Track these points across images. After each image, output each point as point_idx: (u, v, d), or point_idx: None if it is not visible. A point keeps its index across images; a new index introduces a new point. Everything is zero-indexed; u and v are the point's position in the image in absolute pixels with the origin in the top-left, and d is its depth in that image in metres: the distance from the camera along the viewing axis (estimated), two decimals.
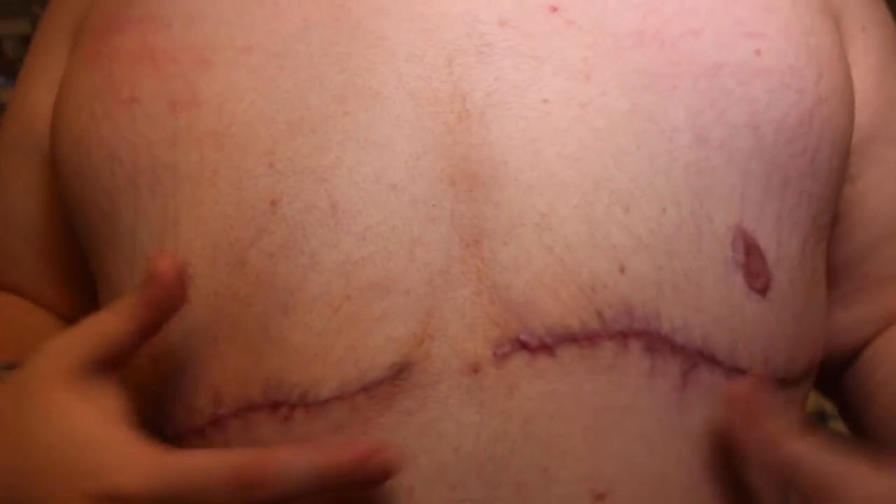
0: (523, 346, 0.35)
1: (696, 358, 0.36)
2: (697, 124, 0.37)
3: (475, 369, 0.35)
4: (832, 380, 0.49)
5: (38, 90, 0.46)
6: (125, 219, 0.39)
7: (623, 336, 0.35)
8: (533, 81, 0.37)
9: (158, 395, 0.37)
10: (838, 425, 0.53)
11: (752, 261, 0.38)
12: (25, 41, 1.57)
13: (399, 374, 0.34)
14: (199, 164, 0.37)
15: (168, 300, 0.33)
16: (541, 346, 0.35)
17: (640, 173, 0.36)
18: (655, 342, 0.36)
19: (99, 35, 0.41)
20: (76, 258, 0.45)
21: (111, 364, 0.34)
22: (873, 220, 0.46)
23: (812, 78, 0.40)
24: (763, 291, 0.38)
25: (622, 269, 0.35)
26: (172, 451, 0.31)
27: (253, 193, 0.36)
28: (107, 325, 0.34)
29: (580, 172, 0.36)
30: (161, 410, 0.37)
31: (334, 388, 0.35)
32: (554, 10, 0.38)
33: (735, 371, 0.37)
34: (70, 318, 0.49)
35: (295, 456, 0.31)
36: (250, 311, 0.36)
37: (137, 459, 0.31)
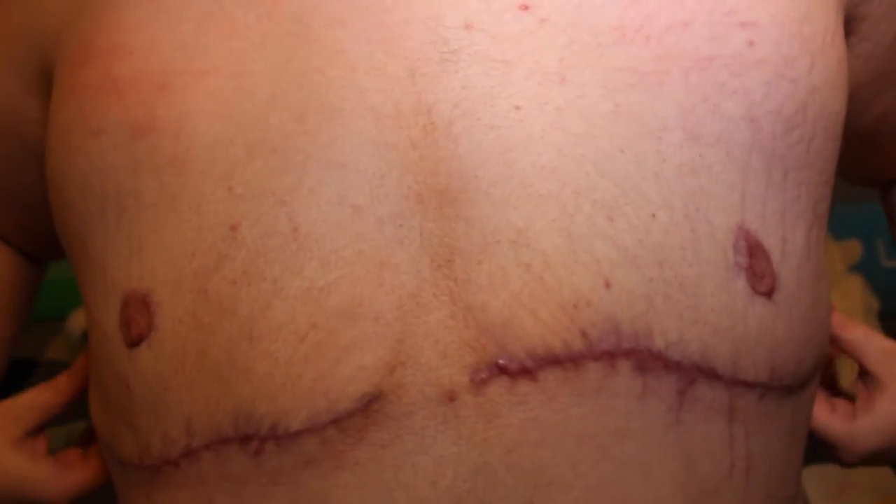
0: (502, 370, 0.33)
1: (693, 374, 0.34)
2: (689, 121, 0.35)
3: (451, 397, 0.33)
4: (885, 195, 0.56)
5: None
6: (97, 245, 0.38)
7: (610, 356, 0.33)
8: (503, 87, 0.34)
9: (136, 425, 0.37)
10: None
11: (755, 262, 0.35)
12: None
13: (370, 405, 0.33)
14: (160, 190, 0.36)
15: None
16: (521, 370, 0.33)
17: (626, 178, 0.34)
18: (646, 361, 0.33)
19: (72, 67, 0.41)
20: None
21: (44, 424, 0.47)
22: None
23: (805, 67, 0.37)
24: (769, 294, 0.35)
25: (607, 285, 0.33)
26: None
27: (212, 218, 0.35)
28: (48, 400, 0.47)
29: (558, 182, 0.34)
30: (140, 440, 0.37)
31: (304, 419, 0.33)
32: (525, 8, 0.35)
33: (738, 384, 0.35)
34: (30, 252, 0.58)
35: None
36: (215, 339, 0.34)
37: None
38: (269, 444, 0.33)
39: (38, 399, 0.47)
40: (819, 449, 0.45)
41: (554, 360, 0.33)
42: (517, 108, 0.34)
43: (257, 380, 0.34)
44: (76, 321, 0.86)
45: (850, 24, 0.43)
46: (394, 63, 0.35)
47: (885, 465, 0.45)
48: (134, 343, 0.36)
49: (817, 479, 0.74)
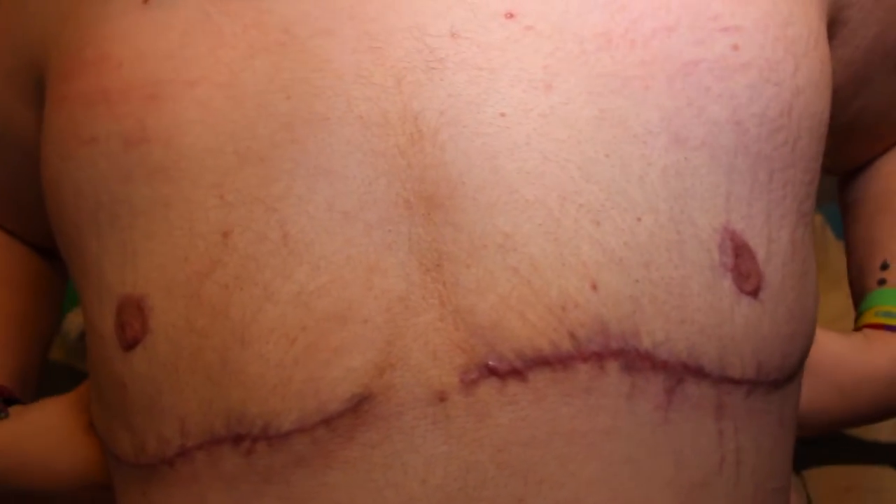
0: (492, 371, 0.33)
1: (681, 373, 0.34)
2: (674, 125, 0.35)
3: (441, 398, 0.33)
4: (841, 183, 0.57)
5: None
6: (92, 251, 0.39)
7: (598, 356, 0.33)
8: (489, 95, 0.35)
9: (132, 425, 0.38)
10: None
11: (741, 262, 0.36)
12: None
13: (360, 406, 0.33)
14: (151, 198, 0.37)
15: None
16: (511, 370, 0.33)
17: (611, 182, 0.34)
18: (634, 360, 0.34)
19: (61, 78, 0.41)
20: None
21: None
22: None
23: (789, 70, 0.37)
24: (754, 293, 0.36)
25: (594, 287, 0.34)
26: None
27: (204, 226, 0.36)
28: None
29: (544, 187, 0.34)
30: (136, 440, 0.37)
31: (294, 420, 0.34)
32: (510, 16, 0.36)
33: (725, 381, 0.35)
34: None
35: None
36: (208, 342, 0.35)
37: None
38: (260, 444, 0.34)
39: None
40: (823, 447, 0.45)
41: (543, 361, 0.33)
42: (502, 115, 0.35)
43: (249, 382, 0.34)
44: (73, 322, 0.86)
45: (832, 28, 0.43)
46: (380, 72, 0.35)
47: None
48: (129, 346, 0.37)
49: (821, 480, 0.74)
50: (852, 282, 0.53)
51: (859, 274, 0.52)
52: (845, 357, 0.45)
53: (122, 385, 0.37)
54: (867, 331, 0.47)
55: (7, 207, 0.56)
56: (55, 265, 0.60)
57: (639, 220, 0.34)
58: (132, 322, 0.37)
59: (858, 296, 0.52)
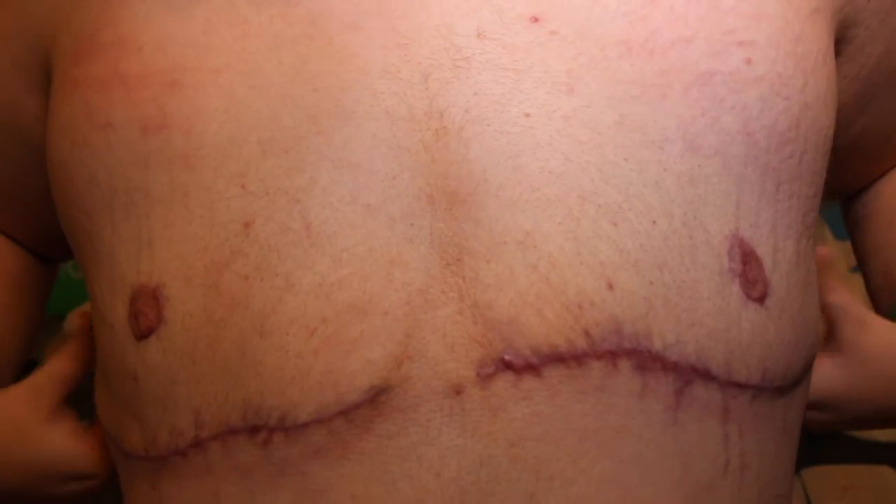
0: (508, 366, 0.33)
1: (689, 374, 0.35)
2: (690, 133, 0.36)
3: (458, 391, 0.34)
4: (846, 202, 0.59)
5: None
6: (104, 239, 0.39)
7: (612, 355, 0.34)
8: (513, 95, 0.35)
9: (143, 416, 0.37)
10: None
11: (749, 269, 0.36)
12: None
13: (378, 397, 0.33)
14: (170, 186, 0.37)
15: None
16: (526, 366, 0.34)
17: (629, 185, 0.35)
18: (646, 360, 0.34)
19: (74, 61, 0.41)
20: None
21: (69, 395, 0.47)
22: None
23: (798, 86, 0.39)
24: (761, 300, 0.37)
25: (610, 286, 0.34)
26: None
27: (225, 215, 0.36)
28: (67, 368, 0.47)
29: (565, 187, 0.35)
30: (147, 432, 0.37)
31: (312, 411, 0.34)
32: (535, 20, 0.37)
33: (731, 385, 0.36)
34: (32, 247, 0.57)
35: None
36: (226, 333, 0.35)
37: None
38: (277, 435, 0.34)
39: (58, 369, 0.47)
40: (822, 446, 0.46)
41: (558, 358, 0.34)
42: (527, 115, 0.35)
43: (267, 373, 0.34)
44: (73, 322, 0.85)
45: (838, 46, 0.44)
46: (407, 68, 0.36)
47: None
48: (143, 336, 0.37)
49: (819, 480, 0.74)
50: (877, 289, 0.54)
51: (888, 279, 0.52)
52: None
53: (133, 376, 0.37)
54: None
55: (2, 208, 0.54)
56: (44, 268, 0.58)
57: (654, 223, 0.35)
58: (147, 312, 0.37)
59: (889, 299, 0.52)
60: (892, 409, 0.46)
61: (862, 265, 0.56)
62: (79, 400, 0.47)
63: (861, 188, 0.57)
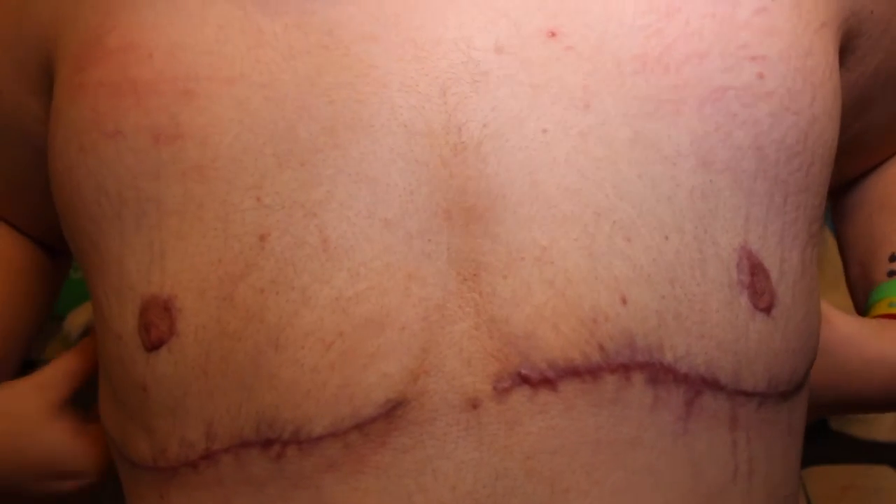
0: (524, 380, 0.34)
1: (699, 385, 0.36)
2: (703, 148, 0.36)
3: (474, 405, 0.34)
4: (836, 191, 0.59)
5: None
6: (113, 249, 0.38)
7: (625, 369, 0.34)
8: (531, 111, 0.35)
9: (152, 427, 0.37)
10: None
11: (756, 280, 0.37)
12: None
13: (393, 411, 0.34)
14: (184, 197, 0.36)
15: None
16: (542, 380, 0.34)
17: (642, 201, 0.35)
18: (658, 373, 0.35)
19: (79, 65, 0.40)
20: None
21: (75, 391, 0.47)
22: None
23: (807, 100, 0.39)
24: (768, 310, 0.37)
25: (624, 301, 0.34)
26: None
27: (240, 227, 0.35)
28: (76, 366, 0.47)
29: (581, 204, 0.35)
30: (156, 442, 0.37)
31: (327, 425, 0.34)
32: (552, 35, 0.36)
33: (739, 394, 0.36)
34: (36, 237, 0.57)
35: None
36: (241, 346, 0.35)
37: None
38: (290, 449, 0.34)
39: (66, 366, 0.47)
40: (822, 446, 0.46)
41: (573, 372, 0.34)
42: (544, 131, 0.35)
43: (282, 386, 0.34)
44: (74, 321, 0.85)
45: (841, 56, 0.45)
46: (425, 81, 0.36)
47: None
48: (153, 347, 0.36)
49: (819, 480, 0.75)
50: (854, 279, 0.55)
51: (864, 269, 0.54)
52: (856, 338, 0.46)
53: (142, 386, 0.37)
54: (881, 319, 0.48)
55: (9, 202, 0.54)
56: (54, 259, 0.58)
57: (666, 238, 0.35)
58: (158, 323, 0.36)
59: (863, 291, 0.53)
60: (847, 399, 0.47)
61: (842, 256, 0.57)
62: (80, 393, 0.47)
63: (849, 181, 0.58)
